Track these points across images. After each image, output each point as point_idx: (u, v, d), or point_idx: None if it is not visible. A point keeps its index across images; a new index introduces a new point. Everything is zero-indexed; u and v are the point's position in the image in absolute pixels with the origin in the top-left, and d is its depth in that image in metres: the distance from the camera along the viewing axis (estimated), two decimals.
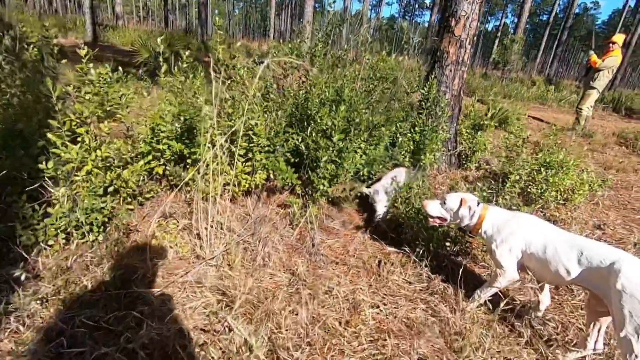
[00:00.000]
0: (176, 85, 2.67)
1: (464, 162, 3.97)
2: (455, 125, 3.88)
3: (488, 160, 4.26)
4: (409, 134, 3.45)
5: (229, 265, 2.16)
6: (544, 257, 1.73)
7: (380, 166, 3.22)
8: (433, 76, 3.53)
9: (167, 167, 2.56)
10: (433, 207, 2.14)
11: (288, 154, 2.97)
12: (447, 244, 2.50)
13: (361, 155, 2.97)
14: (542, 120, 8.81)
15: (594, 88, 7.38)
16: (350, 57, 3.33)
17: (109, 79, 2.39)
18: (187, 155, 2.67)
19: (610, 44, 7.23)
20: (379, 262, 2.49)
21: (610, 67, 7.15)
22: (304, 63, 3.30)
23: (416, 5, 66.05)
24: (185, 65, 2.67)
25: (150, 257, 2.07)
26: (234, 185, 2.68)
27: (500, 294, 2.16)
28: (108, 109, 2.59)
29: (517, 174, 3.12)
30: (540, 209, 3.30)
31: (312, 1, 12.72)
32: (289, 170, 2.83)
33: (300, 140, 2.84)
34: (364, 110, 2.73)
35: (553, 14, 30.96)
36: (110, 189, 2.31)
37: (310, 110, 2.91)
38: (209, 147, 2.41)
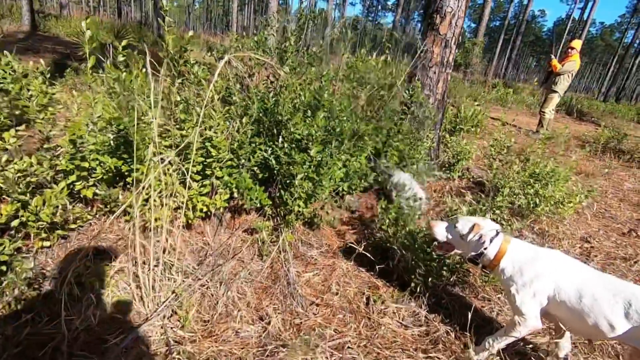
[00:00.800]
0: (110, 84, 2.10)
1: (447, 171, 3.69)
2: (438, 132, 3.58)
3: (469, 168, 4.02)
4: (394, 143, 3.10)
5: (179, 321, 1.66)
6: (578, 307, 1.40)
7: (362, 180, 2.82)
8: (417, 78, 3.19)
9: (99, 189, 1.99)
10: (441, 231, 1.77)
11: (255, 169, 2.49)
12: (444, 272, 2.15)
13: (340, 169, 2.56)
14: (506, 123, 8.90)
15: (555, 92, 7.56)
16: (325, 55, 2.89)
17: (12, 73, 1.78)
18: (127, 174, 2.11)
19: (569, 49, 7.45)
20: (367, 299, 2.09)
21: (569, 71, 7.35)
22: (272, 62, 2.83)
23: (379, 7, 66.96)
24: (122, 57, 2.10)
25: (66, 319, 1.52)
26: (188, 209, 2.16)
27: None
28: (17, 112, 1.98)
29: (509, 187, 2.86)
30: (531, 224, 3.08)
31: None
32: (257, 188, 2.36)
33: (269, 152, 2.37)
34: (345, 118, 2.32)
35: (507, 20, 32.51)
36: (14, 222, 1.71)
37: (281, 116, 2.45)
38: (154, 163, 1.89)
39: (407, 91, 3.18)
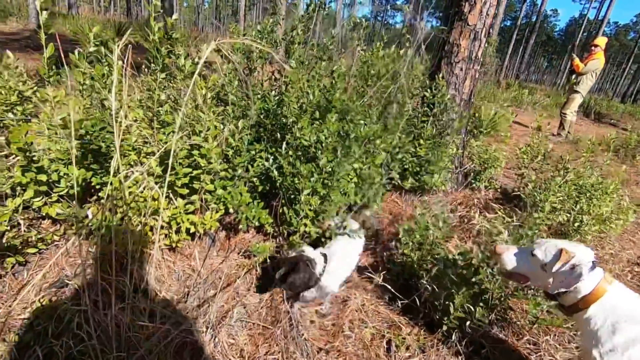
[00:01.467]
0: (80, 79, 1.74)
1: (472, 180, 3.28)
2: (464, 137, 3.17)
3: (494, 177, 3.60)
4: (413, 149, 2.71)
5: None
6: None
7: (376, 191, 2.43)
8: (441, 76, 2.79)
9: (59, 208, 1.64)
10: (514, 258, 1.38)
11: (255, 180, 2.12)
12: (480, 309, 1.75)
13: (351, 179, 2.17)
14: (524, 125, 8.40)
15: (577, 92, 7.11)
16: (336, 48, 2.51)
17: None
18: (99, 187, 1.76)
19: (593, 47, 6.99)
20: (388, 343, 1.71)
21: (593, 71, 6.90)
22: (278, 55, 2.46)
23: (388, 7, 66.27)
24: (93, 48, 1.75)
25: None
26: (170, 229, 1.80)
27: None
28: None
29: (551, 203, 2.45)
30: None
31: None
32: (255, 204, 1.99)
33: (271, 161, 1.99)
34: (362, 121, 1.93)
35: (519, 19, 31.72)
36: None
37: (285, 119, 2.08)
38: (126, 175, 1.55)
39: (429, 90, 2.78)
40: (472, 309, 1.61)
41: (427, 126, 2.79)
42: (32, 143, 1.44)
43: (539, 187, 2.68)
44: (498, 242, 1.59)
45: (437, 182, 2.78)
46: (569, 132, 7.48)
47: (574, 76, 7.16)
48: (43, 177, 1.52)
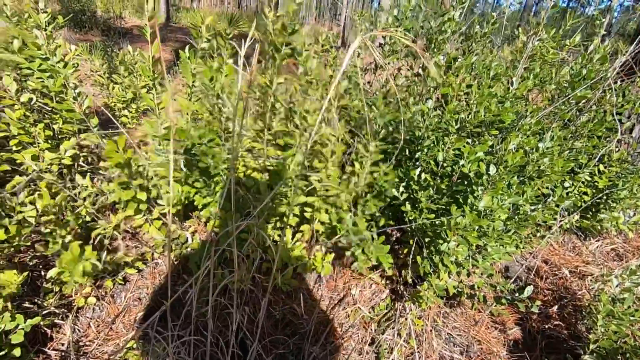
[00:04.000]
0: (189, 81, 1.50)
1: None
2: None
3: None
4: (588, 177, 1.95)
5: None
6: None
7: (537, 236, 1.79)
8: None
9: (157, 233, 1.43)
10: None
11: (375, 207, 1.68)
12: None
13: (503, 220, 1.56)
14: None
15: None
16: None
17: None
18: (201, 207, 1.52)
19: None
20: None
21: None
22: (417, 47, 1.94)
23: None
24: (204, 44, 1.48)
25: None
26: (269, 264, 1.48)
27: None
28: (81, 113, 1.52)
29: None
30: None
31: None
32: (376, 240, 1.55)
33: (401, 191, 1.52)
34: (550, 149, 1.31)
35: None
36: (52, 272, 1.23)
37: (431, 132, 1.57)
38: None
39: (623, 94, 1.96)
40: None
41: (613, 146, 1.99)
42: (130, 159, 1.22)
43: None
44: None
45: (622, 224, 1.98)
46: None
47: None
48: (143, 196, 1.30)
